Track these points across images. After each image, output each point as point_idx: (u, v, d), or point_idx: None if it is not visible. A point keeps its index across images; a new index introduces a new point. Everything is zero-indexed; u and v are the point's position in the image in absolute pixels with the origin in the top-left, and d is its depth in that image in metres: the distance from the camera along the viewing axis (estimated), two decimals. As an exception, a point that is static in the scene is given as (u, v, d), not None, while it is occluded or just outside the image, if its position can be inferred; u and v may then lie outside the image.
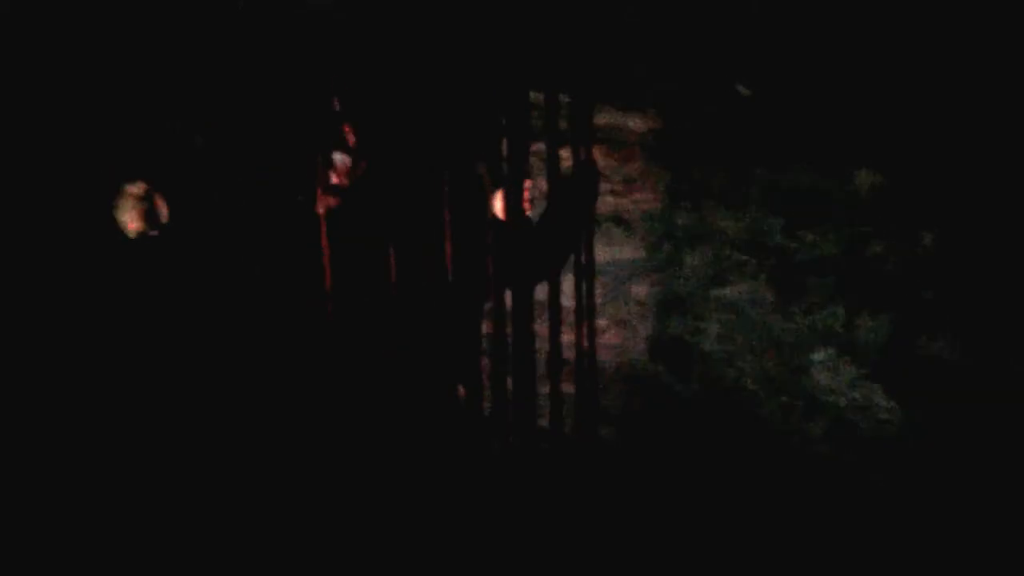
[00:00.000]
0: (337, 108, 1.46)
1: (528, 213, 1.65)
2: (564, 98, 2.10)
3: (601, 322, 2.31)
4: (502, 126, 1.68)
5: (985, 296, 1.54)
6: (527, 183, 1.57)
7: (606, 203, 2.24)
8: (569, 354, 2.32)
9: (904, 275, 1.69)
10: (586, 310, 1.77)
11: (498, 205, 1.62)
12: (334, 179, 1.45)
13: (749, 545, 1.99)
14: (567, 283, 2.01)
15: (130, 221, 1.42)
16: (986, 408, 1.59)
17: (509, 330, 1.63)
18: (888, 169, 1.71)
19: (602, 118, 2.17)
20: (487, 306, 1.72)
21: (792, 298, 1.93)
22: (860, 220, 1.79)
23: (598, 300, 2.29)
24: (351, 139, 1.47)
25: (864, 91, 1.75)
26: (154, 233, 1.45)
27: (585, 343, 1.79)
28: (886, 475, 1.70)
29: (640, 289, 2.29)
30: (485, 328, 2.00)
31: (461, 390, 1.71)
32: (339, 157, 1.45)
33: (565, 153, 2.15)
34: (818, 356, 1.86)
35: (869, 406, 1.74)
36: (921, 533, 1.73)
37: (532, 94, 1.61)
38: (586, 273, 1.80)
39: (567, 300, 2.00)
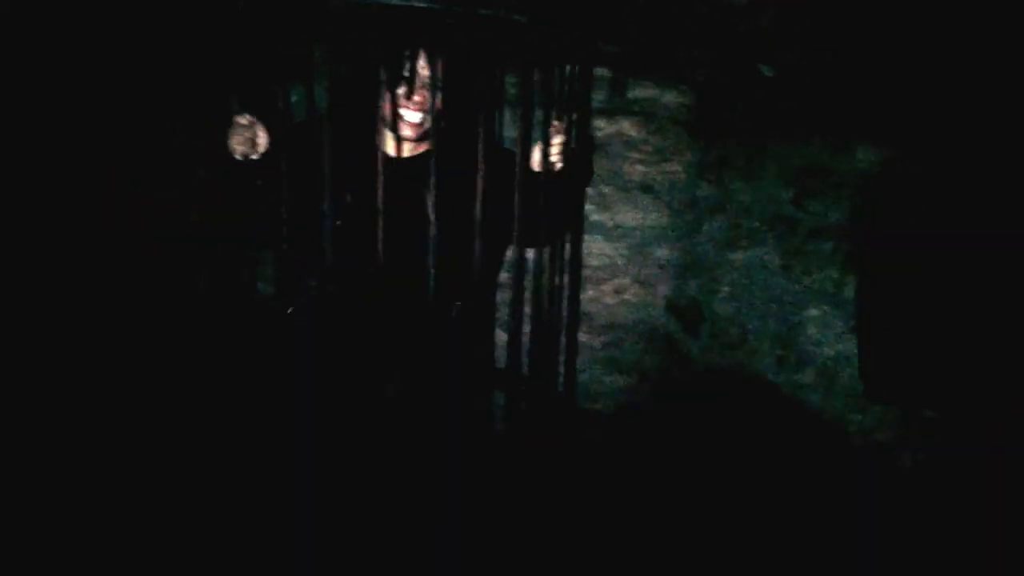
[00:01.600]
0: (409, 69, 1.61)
1: (558, 166, 1.78)
2: (603, 72, 2.37)
3: (624, 280, 2.56)
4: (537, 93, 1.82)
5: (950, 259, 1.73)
6: (557, 140, 1.68)
7: (636, 171, 2.48)
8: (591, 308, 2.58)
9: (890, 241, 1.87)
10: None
11: (535, 158, 1.73)
12: (405, 130, 1.66)
13: (745, 486, 2.18)
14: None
15: (238, 145, 1.61)
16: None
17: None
18: (885, 147, 1.91)
19: (639, 92, 2.42)
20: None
21: (795, 262, 2.13)
22: (859, 192, 1.98)
23: (622, 261, 2.54)
24: (422, 98, 1.63)
25: (868, 78, 1.95)
26: (255, 157, 1.63)
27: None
28: (863, 417, 1.88)
29: (662, 252, 2.52)
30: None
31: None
32: (410, 114, 1.64)
33: (601, 122, 2.41)
34: (812, 313, 2.05)
35: (850, 356, 1.92)
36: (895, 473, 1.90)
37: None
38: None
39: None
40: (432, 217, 1.52)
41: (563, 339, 2.15)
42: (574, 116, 1.81)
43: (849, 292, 1.94)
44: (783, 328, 2.14)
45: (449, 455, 1.74)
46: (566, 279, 1.97)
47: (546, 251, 1.75)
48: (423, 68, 1.61)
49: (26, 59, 1.86)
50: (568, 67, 1.76)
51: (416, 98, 1.63)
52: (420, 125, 1.66)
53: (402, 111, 1.64)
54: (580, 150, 2.25)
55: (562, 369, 2.28)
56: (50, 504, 1.85)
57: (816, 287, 2.05)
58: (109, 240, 2.03)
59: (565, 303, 2.19)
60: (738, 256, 2.31)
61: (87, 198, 1.98)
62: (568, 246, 2.21)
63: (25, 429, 1.90)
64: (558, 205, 2.07)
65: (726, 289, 2.34)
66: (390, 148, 1.72)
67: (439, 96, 1.52)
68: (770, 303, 2.20)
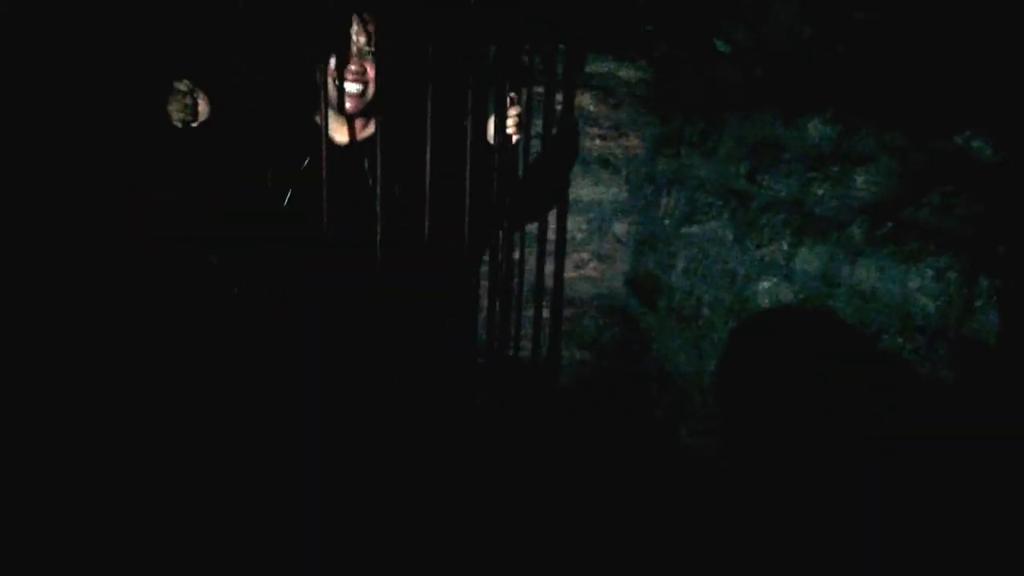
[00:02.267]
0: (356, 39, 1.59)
1: (514, 138, 1.81)
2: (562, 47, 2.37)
3: (584, 255, 2.58)
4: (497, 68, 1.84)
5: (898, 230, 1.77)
6: (512, 111, 1.72)
7: (595, 146, 2.50)
8: (552, 283, 2.60)
9: (838, 213, 1.91)
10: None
11: (490, 131, 1.78)
12: (348, 104, 1.62)
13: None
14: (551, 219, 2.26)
15: (176, 112, 1.59)
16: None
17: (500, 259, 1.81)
18: (834, 120, 1.94)
19: (598, 67, 2.43)
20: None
21: (747, 235, 2.17)
22: (809, 166, 2.02)
23: (581, 235, 2.56)
24: (369, 71, 1.61)
25: (818, 52, 1.97)
26: (194, 124, 1.62)
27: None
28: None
29: (621, 227, 2.55)
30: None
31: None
32: (352, 86, 1.61)
33: (559, 96, 2.42)
34: (764, 285, 2.09)
35: (800, 327, 1.97)
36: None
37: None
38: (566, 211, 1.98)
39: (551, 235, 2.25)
40: (378, 197, 1.51)
41: (539, 315, 2.18)
42: (534, 89, 1.84)
43: (799, 264, 1.97)
44: (737, 300, 2.18)
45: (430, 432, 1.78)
46: (542, 257, 1.99)
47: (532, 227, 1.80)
48: (358, 35, 1.58)
49: (26, 59, 1.85)
50: (526, 47, 1.79)
51: (352, 67, 1.59)
52: (360, 96, 1.63)
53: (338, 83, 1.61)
54: (562, 130, 2.29)
55: (533, 344, 2.33)
56: (50, 502, 1.87)
57: (768, 259, 2.08)
58: (109, 240, 2.03)
59: (550, 280, 2.23)
60: (694, 230, 2.34)
61: (87, 198, 1.98)
62: (551, 224, 2.26)
63: (25, 428, 1.91)
64: (535, 183, 2.09)
65: (682, 263, 2.37)
66: (337, 133, 1.71)
67: (374, 65, 1.53)
68: (724, 276, 2.23)
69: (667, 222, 2.41)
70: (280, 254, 1.63)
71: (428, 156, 1.51)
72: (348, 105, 1.63)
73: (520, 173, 2.24)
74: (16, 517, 1.81)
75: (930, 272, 1.68)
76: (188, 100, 1.58)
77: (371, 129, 1.74)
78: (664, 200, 2.43)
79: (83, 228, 1.99)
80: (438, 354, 1.85)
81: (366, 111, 1.67)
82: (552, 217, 2.38)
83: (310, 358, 1.69)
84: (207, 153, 1.63)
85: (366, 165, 1.68)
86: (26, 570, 1.73)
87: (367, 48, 1.59)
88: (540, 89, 2.25)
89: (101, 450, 2.00)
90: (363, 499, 1.80)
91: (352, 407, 1.76)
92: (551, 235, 2.44)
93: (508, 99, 1.68)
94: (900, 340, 1.72)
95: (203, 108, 1.62)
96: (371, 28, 1.59)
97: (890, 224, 1.79)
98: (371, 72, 1.62)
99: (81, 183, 1.96)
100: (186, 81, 1.58)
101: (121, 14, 1.92)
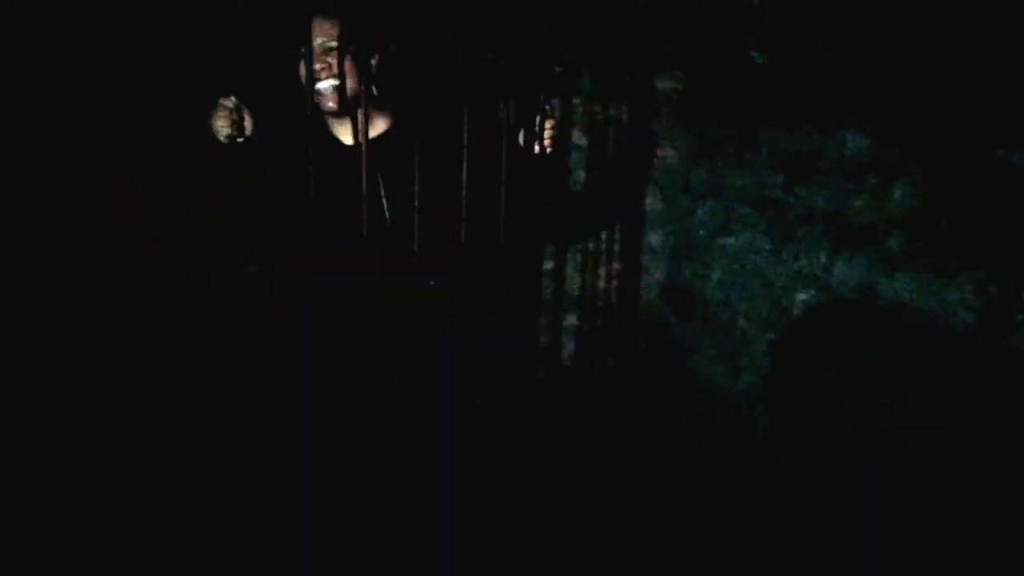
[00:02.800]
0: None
1: (547, 147, 1.84)
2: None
3: (618, 265, 2.60)
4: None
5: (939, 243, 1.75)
6: (548, 122, 1.74)
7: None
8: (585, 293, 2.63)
9: (876, 225, 1.90)
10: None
11: (520, 138, 1.80)
12: (329, 103, 1.64)
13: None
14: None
15: (223, 128, 1.61)
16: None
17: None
18: (872, 133, 1.93)
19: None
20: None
21: (784, 246, 2.16)
22: (846, 178, 2.01)
23: (616, 246, 2.58)
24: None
25: (857, 65, 1.96)
26: (240, 140, 1.64)
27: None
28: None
29: (656, 237, 2.55)
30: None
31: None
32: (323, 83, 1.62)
33: (596, 107, 2.44)
34: (801, 296, 2.09)
35: (838, 340, 1.96)
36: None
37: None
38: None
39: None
40: (384, 199, 1.56)
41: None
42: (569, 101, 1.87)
43: (837, 276, 1.97)
44: (774, 312, 2.17)
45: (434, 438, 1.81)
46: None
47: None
48: (321, 32, 1.59)
49: (26, 59, 1.86)
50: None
51: (317, 66, 1.58)
52: (336, 92, 1.62)
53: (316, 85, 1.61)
54: (635, 143, 2.31)
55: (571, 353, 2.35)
56: (49, 500, 1.89)
57: (805, 271, 2.08)
58: (109, 240, 2.04)
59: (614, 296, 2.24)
60: (730, 241, 2.34)
61: (87, 198, 2.00)
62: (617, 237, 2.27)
63: (25, 427, 1.92)
64: (599, 197, 2.11)
65: (718, 274, 2.37)
66: (341, 133, 1.74)
67: (346, 60, 1.56)
68: (760, 287, 2.23)
69: (702, 232, 2.41)
70: (291, 254, 1.68)
71: (464, 166, 1.55)
72: (329, 103, 1.64)
73: (573, 184, 2.28)
74: (16, 517, 1.82)
75: (969, 285, 1.66)
76: (235, 116, 1.61)
77: (379, 128, 1.74)
78: (699, 210, 2.43)
79: (84, 228, 2.01)
80: (439, 353, 1.86)
81: (367, 110, 1.59)
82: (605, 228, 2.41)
83: (312, 356, 1.74)
84: (253, 166, 1.67)
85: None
86: (27, 570, 1.74)
87: (330, 43, 1.58)
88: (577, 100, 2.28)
89: (102, 449, 2.00)
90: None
91: (363, 407, 1.81)
92: (601, 246, 2.47)
93: (544, 109, 1.71)
94: (940, 352, 1.70)
95: (248, 124, 1.65)
96: (334, 24, 1.59)
97: (928, 237, 1.77)
98: (348, 67, 1.60)
99: (82, 184, 1.97)
100: (233, 98, 1.62)
101: (121, 15, 1.93)
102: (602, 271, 2.59)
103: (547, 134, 1.71)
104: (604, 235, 2.57)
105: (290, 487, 1.86)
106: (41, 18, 1.88)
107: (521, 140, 1.78)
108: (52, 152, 1.94)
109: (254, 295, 2.07)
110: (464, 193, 1.57)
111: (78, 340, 2.02)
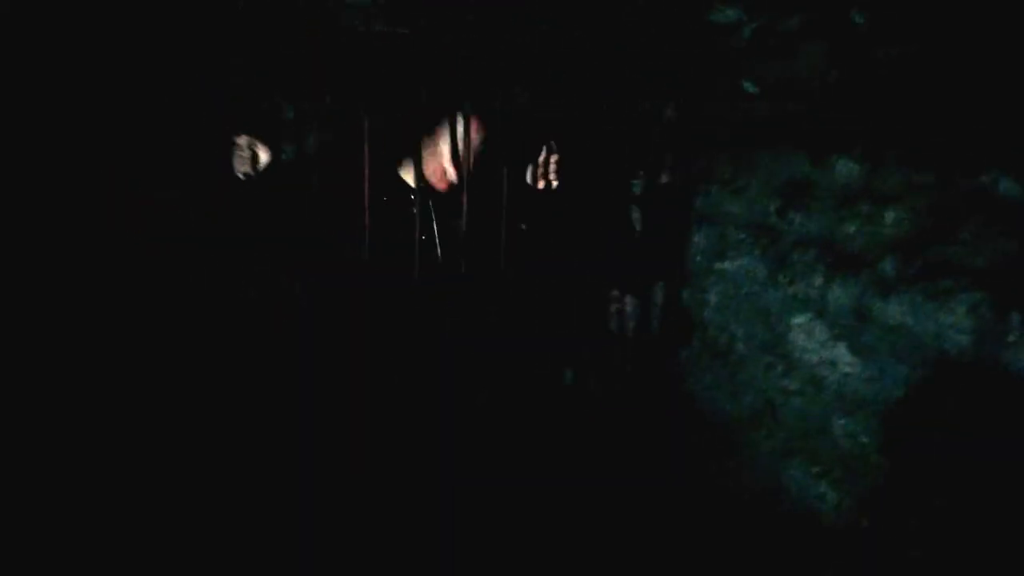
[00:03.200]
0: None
1: (551, 183, 1.96)
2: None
3: (616, 290, 2.64)
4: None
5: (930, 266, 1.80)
6: (552, 157, 1.90)
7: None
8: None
9: (869, 250, 1.95)
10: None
11: (528, 175, 1.98)
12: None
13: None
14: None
15: (239, 165, 1.75)
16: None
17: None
18: (861, 159, 1.98)
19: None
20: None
21: (779, 270, 2.21)
22: (839, 204, 2.06)
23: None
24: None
25: (844, 93, 2.03)
26: (253, 175, 1.75)
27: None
28: (848, 418, 1.95)
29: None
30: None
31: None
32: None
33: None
34: (797, 320, 2.13)
35: (836, 362, 2.00)
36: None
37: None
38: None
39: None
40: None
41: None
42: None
43: (832, 300, 2.01)
44: (770, 335, 2.21)
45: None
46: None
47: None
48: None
49: (26, 59, 1.88)
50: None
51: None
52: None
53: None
54: (669, 184, 2.40)
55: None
56: (50, 500, 1.89)
57: (801, 295, 2.12)
58: (109, 240, 2.06)
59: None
60: (726, 266, 2.39)
61: (87, 198, 2.00)
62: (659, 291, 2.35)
63: (25, 427, 1.92)
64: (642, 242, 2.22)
65: (715, 299, 2.41)
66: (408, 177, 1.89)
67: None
68: (757, 312, 2.27)
69: (699, 258, 2.46)
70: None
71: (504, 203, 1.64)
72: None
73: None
74: (16, 517, 1.82)
75: (962, 308, 1.70)
76: (247, 153, 1.70)
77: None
78: (696, 236, 2.48)
79: (84, 228, 2.02)
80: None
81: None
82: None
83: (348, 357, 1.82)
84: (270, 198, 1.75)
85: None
86: (28, 570, 1.75)
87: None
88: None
89: (102, 448, 2.01)
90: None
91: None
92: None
93: (547, 146, 1.79)
94: (933, 374, 1.74)
95: (263, 158, 1.74)
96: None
97: (921, 261, 1.82)
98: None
99: (82, 184, 1.99)
100: (245, 136, 1.70)
101: (121, 15, 1.96)
102: (603, 295, 2.63)
103: (552, 169, 1.79)
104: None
105: (293, 488, 1.88)
106: (41, 18, 1.88)
107: (528, 176, 1.88)
108: (52, 152, 1.94)
109: (257, 294, 2.08)
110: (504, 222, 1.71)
111: (78, 340, 2.01)
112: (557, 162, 1.85)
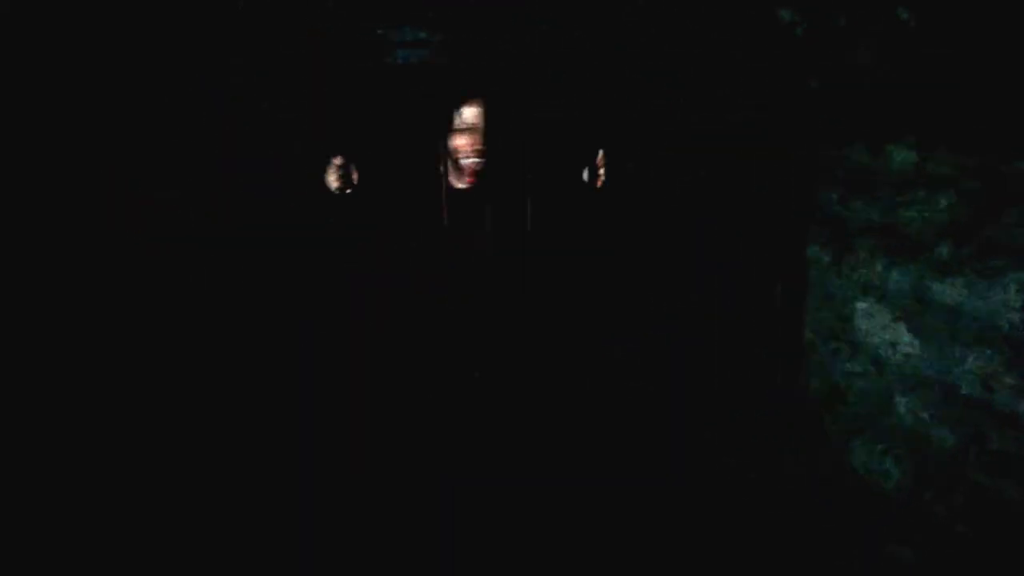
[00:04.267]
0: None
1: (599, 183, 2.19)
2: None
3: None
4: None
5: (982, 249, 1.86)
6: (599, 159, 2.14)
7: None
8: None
9: (926, 234, 2.02)
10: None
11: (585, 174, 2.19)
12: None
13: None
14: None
15: (333, 181, 2.00)
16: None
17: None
18: (915, 147, 2.06)
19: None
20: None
21: (842, 257, 2.30)
22: (896, 191, 2.14)
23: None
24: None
25: (899, 84, 2.10)
26: (348, 191, 2.00)
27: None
28: (910, 396, 2.03)
29: (726, 255, 2.72)
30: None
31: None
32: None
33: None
34: (860, 305, 2.22)
35: (896, 342, 2.08)
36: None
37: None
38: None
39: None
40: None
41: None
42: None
43: (892, 284, 2.09)
44: (837, 321, 2.31)
45: None
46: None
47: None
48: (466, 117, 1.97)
49: (26, 59, 1.84)
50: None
51: (463, 140, 2.00)
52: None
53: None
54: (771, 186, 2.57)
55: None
56: (50, 499, 1.91)
57: (863, 280, 2.21)
58: (109, 240, 2.02)
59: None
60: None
61: (87, 198, 1.97)
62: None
63: (25, 427, 1.91)
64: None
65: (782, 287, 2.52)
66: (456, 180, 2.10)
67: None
68: (823, 298, 2.37)
69: (768, 249, 2.56)
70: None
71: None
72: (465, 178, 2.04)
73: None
74: (16, 517, 1.84)
75: (1013, 286, 1.76)
76: (342, 172, 1.98)
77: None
78: (764, 229, 2.58)
79: (84, 228, 1.98)
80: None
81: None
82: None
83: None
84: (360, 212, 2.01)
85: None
86: (28, 569, 1.76)
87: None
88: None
89: (102, 448, 2.00)
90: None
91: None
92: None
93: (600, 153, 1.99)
94: (988, 352, 1.80)
95: (356, 176, 2.01)
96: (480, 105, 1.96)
97: (974, 243, 1.88)
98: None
99: (82, 184, 1.96)
100: (340, 157, 1.98)
101: (121, 15, 1.93)
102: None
103: (599, 173, 2.00)
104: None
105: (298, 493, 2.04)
106: (41, 18, 1.83)
107: (585, 176, 2.10)
108: (52, 152, 1.92)
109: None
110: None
111: (78, 339, 1.99)
112: (604, 163, 2.07)
